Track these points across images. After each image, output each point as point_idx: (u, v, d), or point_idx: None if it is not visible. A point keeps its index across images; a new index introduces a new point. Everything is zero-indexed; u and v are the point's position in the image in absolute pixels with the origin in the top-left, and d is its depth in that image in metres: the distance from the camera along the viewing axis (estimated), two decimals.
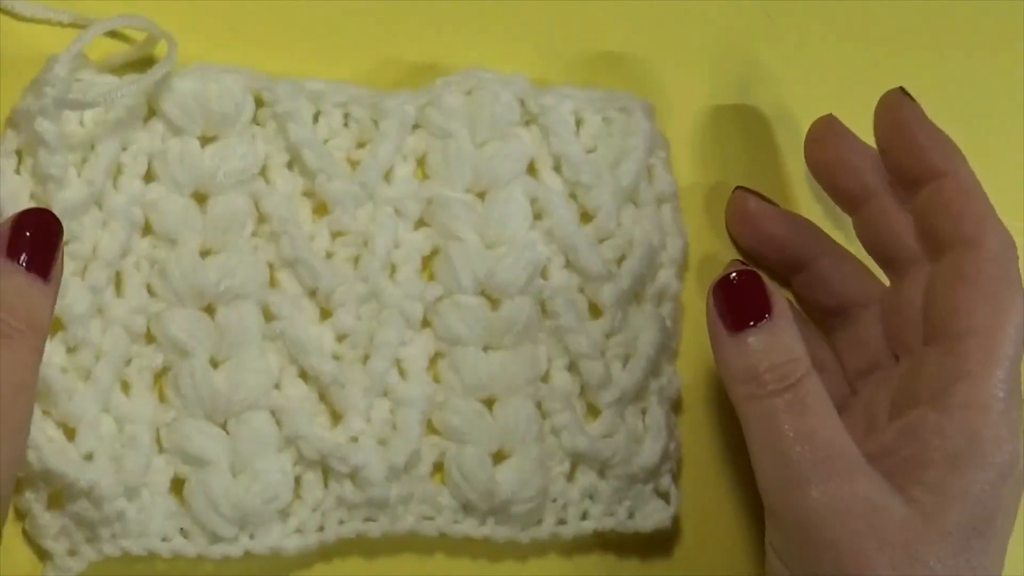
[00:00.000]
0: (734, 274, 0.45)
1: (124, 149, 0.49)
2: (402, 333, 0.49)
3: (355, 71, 0.52)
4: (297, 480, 0.48)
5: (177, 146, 0.49)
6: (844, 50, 0.57)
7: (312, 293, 0.49)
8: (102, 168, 0.48)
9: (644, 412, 0.51)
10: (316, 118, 0.50)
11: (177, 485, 0.48)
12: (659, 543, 0.52)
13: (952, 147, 0.47)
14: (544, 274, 0.51)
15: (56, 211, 0.46)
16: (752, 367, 0.44)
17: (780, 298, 0.46)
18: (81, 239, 0.47)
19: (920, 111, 0.48)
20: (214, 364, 0.48)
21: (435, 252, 0.51)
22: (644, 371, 0.51)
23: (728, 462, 0.53)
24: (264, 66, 0.50)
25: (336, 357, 0.49)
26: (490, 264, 0.50)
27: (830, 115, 0.51)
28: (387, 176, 0.51)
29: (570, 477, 0.50)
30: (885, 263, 0.50)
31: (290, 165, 0.50)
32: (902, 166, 0.48)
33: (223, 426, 0.48)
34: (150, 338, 0.48)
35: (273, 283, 0.49)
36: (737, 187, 0.54)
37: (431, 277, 0.50)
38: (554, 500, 0.50)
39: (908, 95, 0.48)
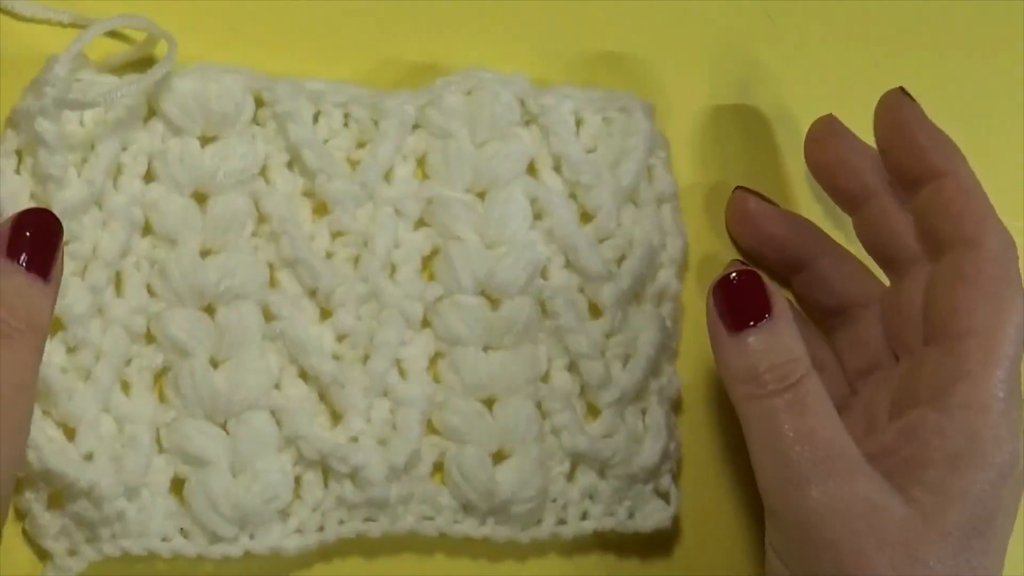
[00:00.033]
0: (734, 274, 0.45)
1: (124, 149, 0.49)
2: (402, 333, 0.49)
3: (355, 71, 0.52)
4: (297, 480, 0.48)
5: (177, 146, 0.49)
6: (844, 50, 0.58)
7: (312, 293, 0.49)
8: (102, 168, 0.48)
9: (644, 412, 0.51)
10: (316, 118, 0.50)
11: (177, 485, 0.48)
12: (659, 543, 0.52)
13: (952, 147, 0.47)
14: (544, 274, 0.51)
15: (56, 211, 0.46)
16: (752, 367, 0.45)
17: (780, 298, 0.46)
18: (81, 239, 0.47)
19: (920, 111, 0.48)
20: (214, 364, 0.48)
21: (435, 252, 0.51)
22: (644, 371, 0.51)
23: (728, 462, 0.53)
24: (264, 66, 0.50)
25: (336, 357, 0.49)
26: (490, 264, 0.50)
27: (830, 115, 0.51)
28: (387, 176, 0.51)
29: (570, 477, 0.50)
30: (885, 263, 0.50)
31: (290, 165, 0.50)
32: (902, 166, 0.48)
33: (223, 426, 0.48)
34: (150, 338, 0.48)
35: (273, 283, 0.49)
36: (737, 187, 0.54)
37: (431, 277, 0.50)
38: (554, 500, 0.50)
39: (908, 95, 0.49)
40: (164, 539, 0.47)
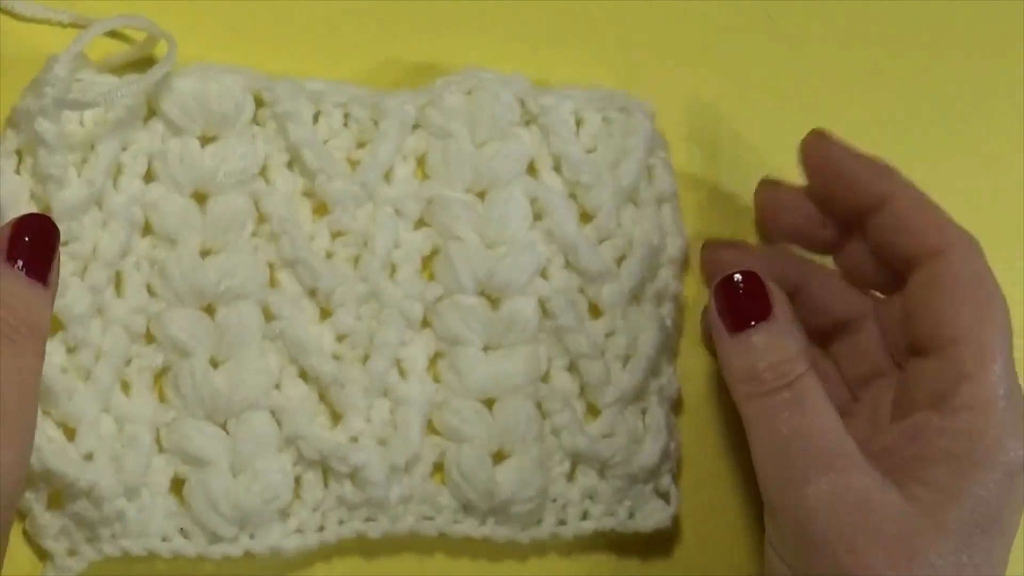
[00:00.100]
0: (736, 275, 0.46)
1: (124, 149, 0.49)
2: (402, 333, 0.49)
3: (355, 71, 0.52)
4: (297, 480, 0.48)
5: (177, 146, 0.49)
6: (844, 50, 0.57)
7: (312, 293, 0.49)
8: (102, 168, 0.48)
9: (644, 412, 0.51)
10: (316, 118, 0.50)
11: (177, 485, 0.48)
12: (659, 543, 0.52)
13: (889, 168, 0.48)
14: (544, 274, 0.51)
15: (56, 211, 0.47)
16: (752, 366, 0.45)
17: (780, 298, 0.46)
18: (81, 239, 0.47)
19: (844, 145, 0.48)
20: (214, 364, 0.48)
21: (435, 252, 0.51)
22: (644, 371, 0.51)
23: (728, 462, 0.53)
24: (264, 66, 0.50)
25: (336, 357, 0.49)
26: (490, 264, 0.50)
27: (773, 184, 0.51)
28: (387, 176, 0.51)
29: (570, 477, 0.50)
30: (879, 285, 0.50)
31: (290, 165, 0.50)
32: (845, 202, 0.48)
33: (223, 426, 0.48)
34: (150, 338, 0.48)
35: (273, 283, 0.49)
36: (705, 242, 0.53)
37: (431, 277, 0.50)
38: (554, 500, 0.50)
39: (827, 134, 0.49)
40: (164, 539, 0.47)
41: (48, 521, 0.46)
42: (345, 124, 0.51)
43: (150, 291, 0.48)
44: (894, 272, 0.48)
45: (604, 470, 0.50)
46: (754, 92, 0.56)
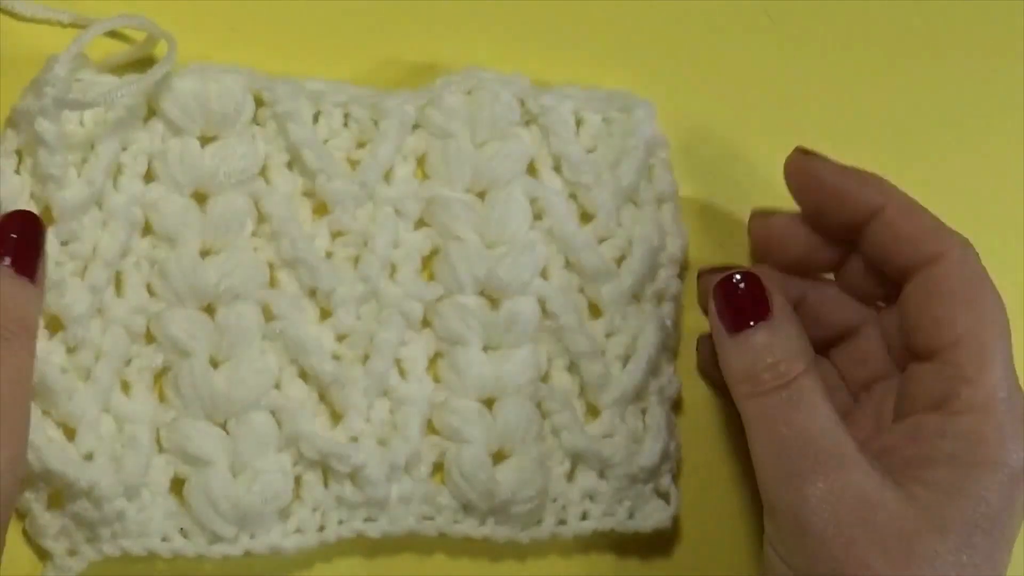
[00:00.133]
0: (736, 275, 0.46)
1: (124, 149, 0.49)
2: (402, 333, 0.49)
3: (355, 71, 0.52)
4: (297, 480, 0.48)
5: (177, 146, 0.49)
6: (844, 50, 0.57)
7: (312, 293, 0.49)
8: (102, 168, 0.48)
9: (644, 412, 0.51)
10: (316, 118, 0.50)
11: (177, 485, 0.48)
12: (659, 543, 0.52)
13: (877, 179, 0.48)
14: (544, 274, 0.51)
15: (56, 211, 0.47)
16: (751, 366, 0.45)
17: (780, 298, 0.46)
18: (81, 239, 0.47)
19: (829, 161, 0.48)
20: (214, 364, 0.48)
21: (435, 252, 0.51)
22: (644, 371, 0.51)
23: (728, 462, 0.53)
24: (264, 66, 0.50)
25: (336, 357, 0.49)
26: (490, 264, 0.50)
27: (765, 216, 0.51)
28: (387, 176, 0.51)
29: (570, 477, 0.50)
30: (882, 297, 0.50)
31: (290, 165, 0.50)
32: (839, 217, 0.48)
33: (223, 426, 0.48)
34: (150, 338, 0.48)
35: (273, 283, 0.49)
36: (700, 270, 0.52)
37: (431, 277, 0.50)
38: (554, 500, 0.50)
39: (809, 151, 0.48)
40: (164, 539, 0.47)
41: (48, 521, 0.46)
42: (345, 124, 0.51)
43: (150, 291, 0.48)
44: (894, 282, 0.48)
45: (604, 470, 0.50)
46: (754, 92, 0.56)
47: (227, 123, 0.49)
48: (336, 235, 0.50)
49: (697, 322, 0.53)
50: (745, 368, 0.45)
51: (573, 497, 0.50)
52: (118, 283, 0.48)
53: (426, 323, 0.50)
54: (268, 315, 0.49)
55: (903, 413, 0.47)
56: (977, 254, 0.46)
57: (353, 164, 0.50)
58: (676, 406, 0.52)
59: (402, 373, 0.50)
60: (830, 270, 0.51)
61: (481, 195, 0.51)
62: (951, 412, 0.44)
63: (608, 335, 0.51)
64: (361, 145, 0.51)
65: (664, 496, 0.51)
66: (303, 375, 0.49)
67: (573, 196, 0.52)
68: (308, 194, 0.50)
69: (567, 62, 0.54)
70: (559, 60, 0.54)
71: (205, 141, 0.49)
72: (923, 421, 0.45)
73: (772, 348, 0.45)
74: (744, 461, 0.52)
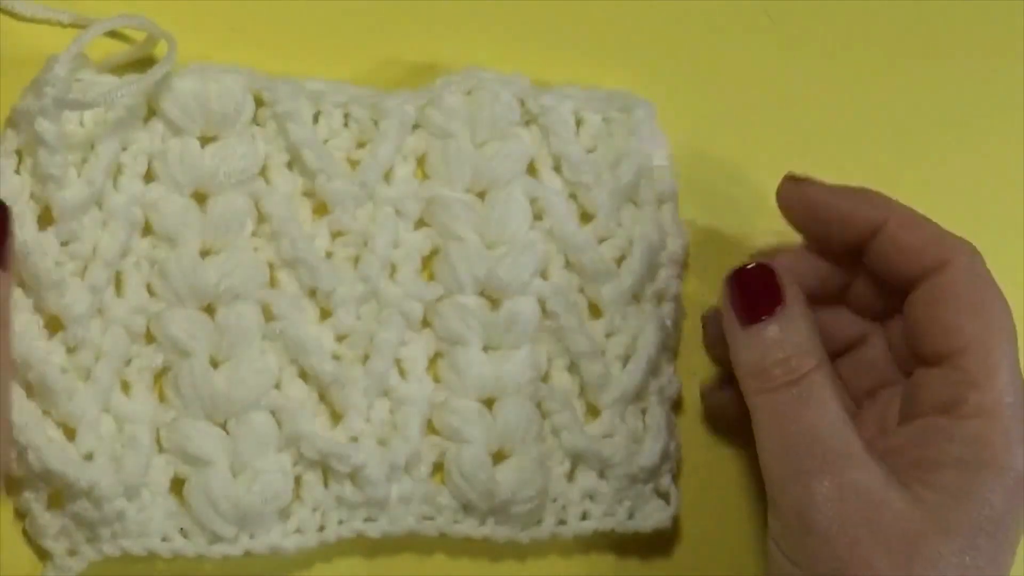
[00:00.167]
0: (749, 267, 0.46)
1: (124, 149, 0.49)
2: (402, 333, 0.49)
3: (355, 71, 0.52)
4: (297, 480, 0.48)
5: (177, 146, 0.49)
6: (844, 50, 0.57)
7: (312, 293, 0.49)
8: (102, 168, 0.48)
9: (644, 412, 0.51)
10: (316, 118, 0.51)
11: (177, 485, 0.48)
12: (659, 543, 0.52)
13: (874, 194, 0.47)
14: (544, 274, 0.51)
15: (56, 211, 0.47)
16: (761, 361, 0.45)
17: (793, 291, 0.46)
18: (81, 239, 0.47)
19: (820, 184, 0.48)
20: (214, 364, 0.48)
21: (435, 252, 0.51)
22: (644, 371, 0.51)
23: (728, 462, 0.53)
24: (264, 66, 0.50)
25: (336, 357, 0.49)
26: (490, 264, 0.50)
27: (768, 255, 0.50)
28: (387, 176, 0.51)
29: (570, 477, 0.50)
30: (892, 312, 0.50)
31: (290, 165, 0.50)
32: (841, 239, 0.48)
33: (223, 426, 0.48)
34: (150, 338, 0.48)
35: (273, 283, 0.49)
36: (710, 310, 0.52)
37: (431, 277, 0.50)
38: (554, 500, 0.50)
39: (799, 177, 0.48)
40: (164, 539, 0.47)
41: (48, 521, 0.46)
42: (345, 124, 0.51)
43: (150, 291, 0.48)
44: (901, 297, 0.48)
45: (604, 470, 0.50)
46: (754, 92, 0.56)
47: (227, 123, 0.49)
48: (336, 235, 0.50)
49: (697, 322, 0.53)
50: (755, 362, 0.45)
51: (573, 497, 0.50)
52: (118, 283, 0.48)
53: (426, 323, 0.50)
54: (268, 315, 0.49)
55: (909, 416, 0.47)
56: (983, 260, 0.46)
57: (353, 164, 0.50)
58: (676, 406, 0.52)
59: (402, 373, 0.50)
60: (841, 297, 0.50)
61: (481, 195, 0.51)
62: (958, 416, 0.44)
63: (608, 335, 0.51)
64: (361, 145, 0.51)
65: (664, 496, 0.51)
66: (303, 375, 0.49)
67: (573, 196, 0.52)
68: (308, 194, 0.50)
69: (567, 62, 0.54)
70: (559, 60, 0.54)
71: (205, 141, 0.49)
72: (930, 424, 0.45)
73: (783, 343, 0.45)
74: (744, 461, 0.52)
